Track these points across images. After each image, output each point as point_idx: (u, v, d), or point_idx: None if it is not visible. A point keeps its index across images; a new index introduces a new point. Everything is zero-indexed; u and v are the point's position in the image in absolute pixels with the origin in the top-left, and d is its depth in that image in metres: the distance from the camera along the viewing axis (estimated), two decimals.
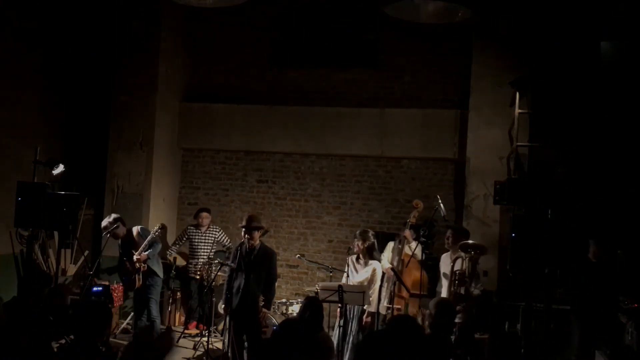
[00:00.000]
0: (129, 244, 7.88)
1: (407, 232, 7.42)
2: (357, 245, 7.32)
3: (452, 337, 5.93)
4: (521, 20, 8.30)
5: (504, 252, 7.65)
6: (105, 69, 9.70)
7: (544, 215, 6.71)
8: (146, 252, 7.78)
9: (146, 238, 7.83)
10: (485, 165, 8.47)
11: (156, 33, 9.57)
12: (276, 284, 7.60)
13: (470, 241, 7.08)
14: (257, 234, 7.17)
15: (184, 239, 9.21)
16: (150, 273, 7.85)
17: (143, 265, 7.75)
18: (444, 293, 7.10)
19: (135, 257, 7.73)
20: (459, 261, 7.06)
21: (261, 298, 7.06)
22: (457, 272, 6.89)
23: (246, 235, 7.09)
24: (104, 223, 7.93)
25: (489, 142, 8.48)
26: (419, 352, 4.65)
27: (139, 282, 7.77)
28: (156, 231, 7.96)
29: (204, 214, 9.16)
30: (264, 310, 7.10)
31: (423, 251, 7.20)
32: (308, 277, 9.61)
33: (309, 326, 5.51)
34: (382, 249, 7.67)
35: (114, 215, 8.00)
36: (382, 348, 4.66)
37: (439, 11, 6.25)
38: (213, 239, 9.15)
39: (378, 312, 7.28)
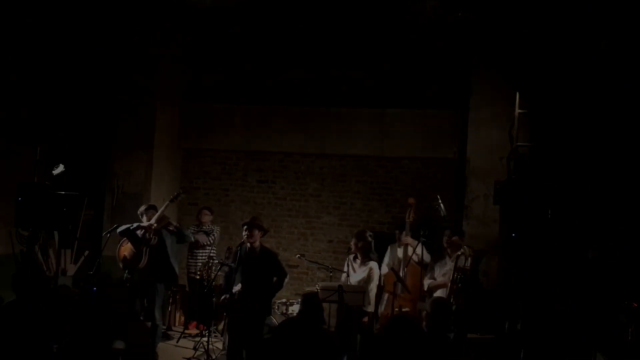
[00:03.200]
0: None
1: (409, 236, 7.40)
2: (353, 245, 7.33)
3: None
4: (521, 20, 8.29)
5: (504, 252, 7.65)
6: (106, 69, 9.70)
7: (544, 215, 6.71)
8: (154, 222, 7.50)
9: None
10: (485, 165, 8.47)
11: (156, 32, 9.58)
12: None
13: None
14: (257, 234, 7.14)
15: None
16: (161, 277, 7.61)
17: (154, 236, 7.47)
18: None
19: (149, 223, 7.46)
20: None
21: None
22: (460, 268, 6.92)
23: (246, 233, 7.06)
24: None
25: (489, 142, 8.48)
26: (418, 351, 4.65)
27: (145, 258, 7.47)
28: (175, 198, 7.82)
29: (205, 211, 9.14)
30: None
31: (423, 251, 7.19)
32: (308, 277, 9.62)
33: (308, 323, 5.52)
34: (381, 249, 7.65)
35: None
36: (381, 348, 4.67)
37: (439, 11, 6.27)
38: (213, 238, 9.13)
39: (376, 312, 7.28)
